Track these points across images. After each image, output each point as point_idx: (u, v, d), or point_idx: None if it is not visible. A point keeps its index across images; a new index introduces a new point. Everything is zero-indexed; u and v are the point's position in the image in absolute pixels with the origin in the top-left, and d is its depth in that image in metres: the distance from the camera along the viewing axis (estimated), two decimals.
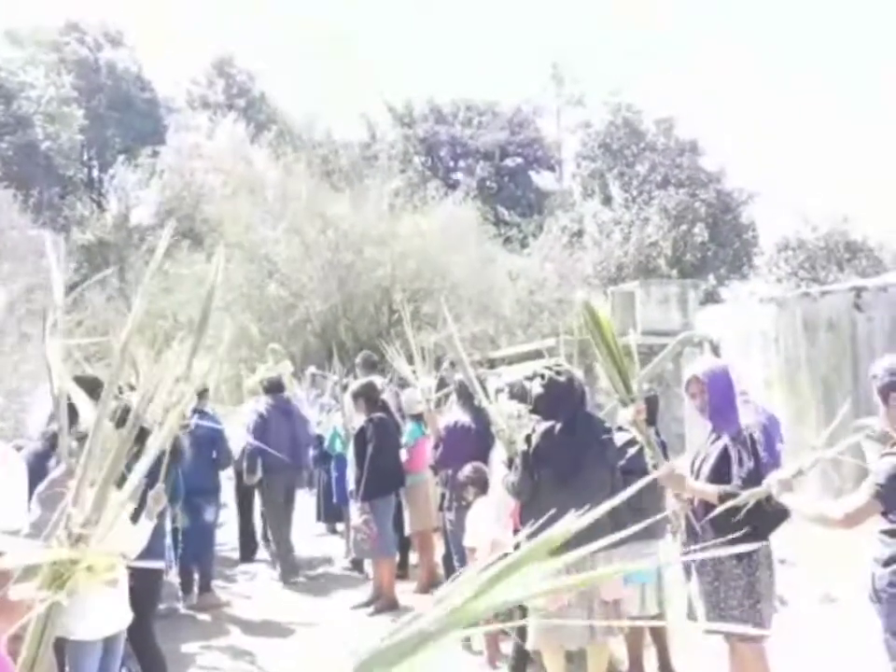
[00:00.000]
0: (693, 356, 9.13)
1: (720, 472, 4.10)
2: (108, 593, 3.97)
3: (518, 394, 5.28)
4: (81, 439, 3.98)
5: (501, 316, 18.41)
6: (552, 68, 35.15)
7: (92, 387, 4.54)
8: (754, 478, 3.96)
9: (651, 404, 5.28)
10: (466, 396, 6.08)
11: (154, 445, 1.79)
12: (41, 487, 2.40)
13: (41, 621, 1.60)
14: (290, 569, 8.12)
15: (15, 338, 10.84)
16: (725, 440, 4.13)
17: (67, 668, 3.89)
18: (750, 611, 4.08)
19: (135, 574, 3.74)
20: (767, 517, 3.95)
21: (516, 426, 4.81)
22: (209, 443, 7.21)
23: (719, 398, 4.22)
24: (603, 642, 4.66)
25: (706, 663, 5.08)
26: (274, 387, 8.66)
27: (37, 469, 4.40)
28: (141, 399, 1.83)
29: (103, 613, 3.94)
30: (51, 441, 4.60)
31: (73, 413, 3.84)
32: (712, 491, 4.09)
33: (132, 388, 5.53)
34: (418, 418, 7.55)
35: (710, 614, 4.21)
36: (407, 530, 7.56)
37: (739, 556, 4.08)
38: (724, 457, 4.12)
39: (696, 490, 4.23)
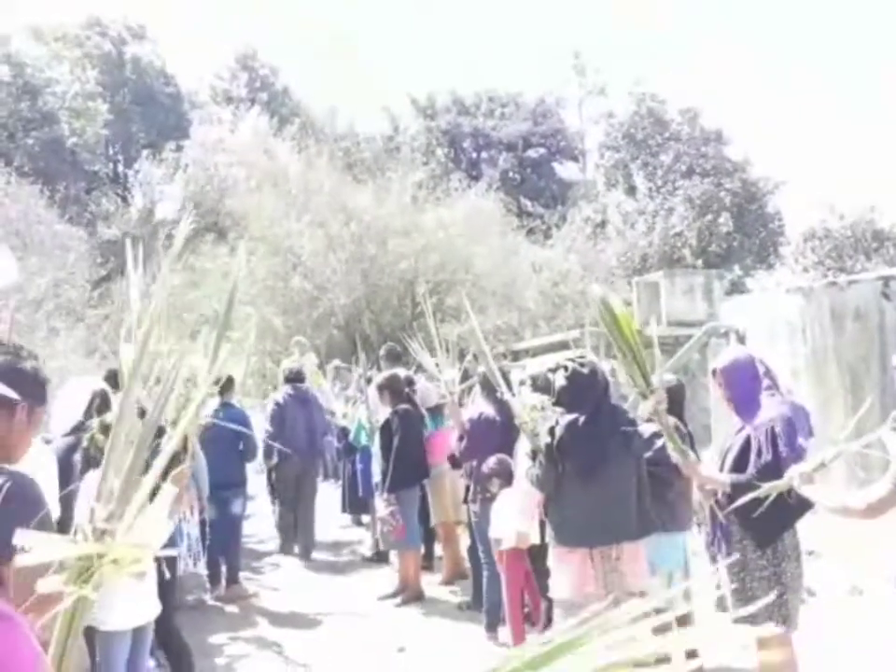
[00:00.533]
0: (719, 346, 9.06)
1: (742, 464, 4.11)
2: (137, 583, 4.01)
3: (542, 386, 5.26)
4: (106, 429, 4.03)
5: (525, 308, 18.38)
6: (574, 58, 34.99)
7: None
8: (772, 471, 3.94)
9: (677, 395, 5.26)
10: (489, 388, 6.07)
11: (170, 444, 1.81)
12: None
13: (69, 614, 1.64)
14: (307, 550, 8.61)
15: (44, 332, 10.95)
16: (749, 430, 4.12)
17: (98, 658, 3.94)
18: (777, 602, 4.06)
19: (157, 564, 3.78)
20: (789, 509, 3.93)
21: (539, 418, 4.80)
22: (235, 436, 7.26)
23: (741, 389, 4.21)
24: None
25: (733, 652, 5.07)
26: (294, 377, 8.96)
27: (65, 463, 4.46)
28: (160, 395, 1.84)
29: (132, 604, 3.98)
30: (80, 435, 4.64)
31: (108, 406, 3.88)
32: (724, 480, 4.13)
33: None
34: (434, 411, 7.57)
35: (737, 605, 4.19)
36: (432, 521, 7.59)
37: (763, 547, 4.09)
38: (746, 449, 4.12)
39: (712, 480, 4.25)
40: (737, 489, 4.08)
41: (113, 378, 5.06)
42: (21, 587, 1.93)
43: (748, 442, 4.13)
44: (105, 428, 4.02)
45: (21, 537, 1.66)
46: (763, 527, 4.07)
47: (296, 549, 8.73)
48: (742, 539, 4.17)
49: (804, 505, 3.97)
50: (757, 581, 4.13)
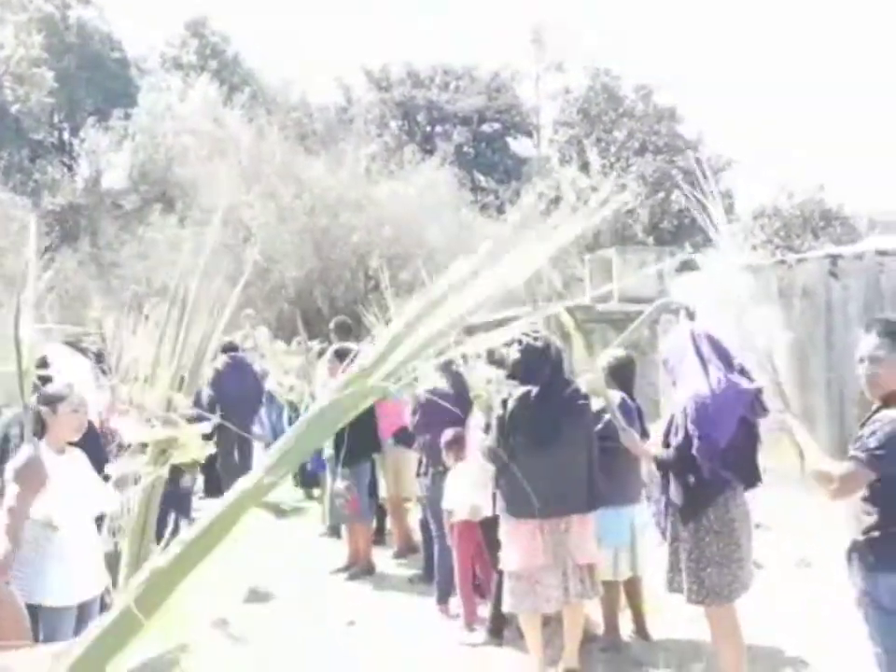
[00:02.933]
0: (669, 323, 9.13)
1: (668, 439, 4.26)
2: (82, 558, 3.94)
3: (496, 360, 5.26)
4: (49, 402, 3.94)
5: None
6: (532, 33, 34.85)
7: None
8: (682, 450, 4.09)
9: (627, 370, 5.30)
10: (444, 361, 6.05)
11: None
12: (17, 465, 2.38)
13: (147, 492, 2.03)
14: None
15: None
16: (677, 408, 4.23)
17: (42, 636, 3.85)
18: (697, 577, 4.14)
19: None
20: (706, 486, 4.04)
21: (494, 391, 4.81)
22: None
23: (673, 365, 4.34)
24: (578, 605, 4.69)
25: (680, 626, 5.15)
26: (229, 347, 9.90)
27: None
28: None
29: (77, 578, 3.90)
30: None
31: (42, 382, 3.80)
32: (650, 455, 4.39)
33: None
34: None
35: (670, 578, 4.27)
36: (380, 494, 7.56)
37: (685, 522, 4.19)
38: (671, 425, 4.26)
39: (646, 454, 4.49)
40: (659, 465, 4.27)
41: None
42: None
43: (672, 419, 4.26)
44: (47, 401, 3.93)
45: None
46: (684, 502, 4.18)
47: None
48: (674, 512, 4.26)
49: (721, 482, 4.06)
50: (683, 554, 4.21)
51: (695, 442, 4.04)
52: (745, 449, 4.16)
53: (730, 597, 4.17)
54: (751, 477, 4.21)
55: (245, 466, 9.47)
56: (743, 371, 4.19)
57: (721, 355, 4.25)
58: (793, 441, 3.48)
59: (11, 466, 2.34)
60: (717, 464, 4.03)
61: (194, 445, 2.08)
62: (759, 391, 4.12)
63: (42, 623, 3.84)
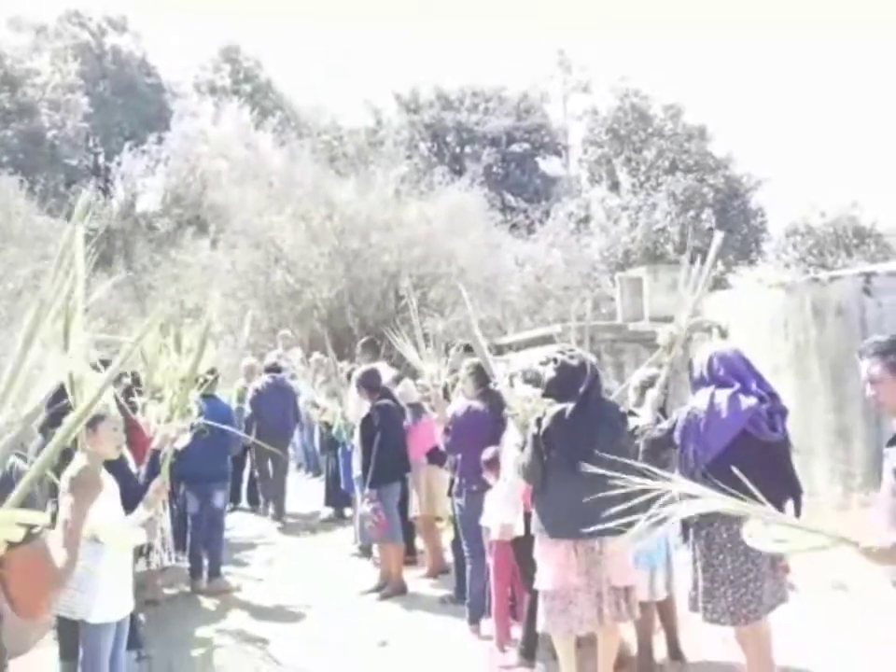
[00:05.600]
0: (702, 341, 9.08)
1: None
2: (122, 575, 4.00)
3: (532, 378, 5.27)
4: (90, 422, 4.00)
5: (508, 303, 18.36)
6: (558, 55, 34.97)
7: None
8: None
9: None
10: (481, 379, 6.05)
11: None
12: (72, 473, 2.38)
13: None
14: (279, 512, 9.94)
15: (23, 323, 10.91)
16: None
17: (83, 651, 3.90)
18: (712, 596, 4.13)
19: None
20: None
21: (531, 409, 4.81)
22: (218, 430, 7.22)
23: (693, 381, 4.49)
24: (612, 627, 4.65)
25: (715, 647, 5.09)
26: (271, 368, 10.48)
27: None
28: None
29: (116, 597, 3.95)
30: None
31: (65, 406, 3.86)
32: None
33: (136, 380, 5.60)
34: (413, 407, 7.56)
35: (702, 599, 4.23)
36: (410, 514, 7.55)
37: (684, 539, 4.41)
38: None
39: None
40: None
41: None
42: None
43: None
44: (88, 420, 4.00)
45: None
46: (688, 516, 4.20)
47: (270, 511, 10.09)
48: (687, 529, 4.31)
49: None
50: (700, 573, 4.19)
51: (678, 454, 4.21)
52: (741, 465, 4.10)
53: (748, 618, 4.11)
54: (747, 492, 4.13)
55: (280, 482, 10.13)
56: (762, 389, 4.23)
57: (738, 374, 4.27)
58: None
59: (66, 475, 2.33)
60: (698, 476, 3.98)
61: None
62: (770, 410, 4.15)
63: (84, 638, 3.89)
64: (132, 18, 32.06)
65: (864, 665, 4.74)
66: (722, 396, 4.17)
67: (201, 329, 4.32)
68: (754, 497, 4.13)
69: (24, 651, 2.40)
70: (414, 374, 8.36)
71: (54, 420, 4.91)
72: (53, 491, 2.57)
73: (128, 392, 5.64)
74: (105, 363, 4.81)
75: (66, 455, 2.44)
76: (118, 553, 3.97)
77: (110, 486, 3.91)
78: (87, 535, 3.61)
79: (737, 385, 4.21)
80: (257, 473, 10.52)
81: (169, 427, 4.45)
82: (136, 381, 5.68)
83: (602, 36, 56.53)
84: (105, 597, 3.83)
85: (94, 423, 4.02)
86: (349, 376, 8.25)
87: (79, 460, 2.38)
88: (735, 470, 4.04)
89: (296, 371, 11.22)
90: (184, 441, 4.71)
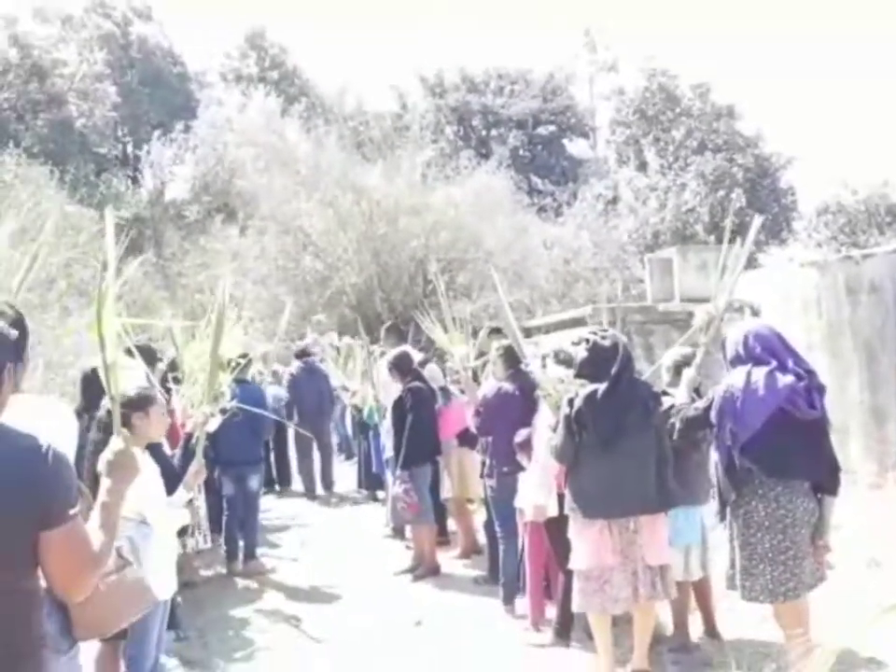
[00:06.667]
0: (734, 321, 9.01)
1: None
2: (168, 555, 4.08)
3: (564, 359, 5.26)
4: (142, 405, 4.09)
5: (536, 286, 18.34)
6: (584, 35, 34.71)
7: (149, 356, 5.46)
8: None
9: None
10: (512, 361, 6.05)
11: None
12: (109, 456, 2.40)
13: None
14: (312, 490, 10.43)
15: (56, 311, 11.05)
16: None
17: (132, 633, 3.94)
18: (750, 573, 4.14)
19: None
20: (733, 475, 4.19)
21: (563, 390, 4.80)
22: (252, 413, 7.28)
23: (726, 359, 4.44)
24: (647, 606, 4.65)
25: (751, 626, 5.08)
26: (303, 353, 10.88)
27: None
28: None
29: (164, 575, 4.01)
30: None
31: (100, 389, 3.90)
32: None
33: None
34: (440, 390, 7.57)
35: (740, 577, 4.23)
36: (442, 495, 7.58)
37: (721, 519, 4.40)
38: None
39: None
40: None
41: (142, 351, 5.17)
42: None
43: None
44: (140, 403, 4.09)
45: None
46: (724, 492, 4.27)
47: (319, 490, 10.49)
48: (724, 507, 4.32)
49: (745, 473, 4.13)
50: (738, 551, 4.19)
51: (714, 433, 4.22)
52: (778, 443, 4.09)
53: (787, 595, 4.10)
54: (785, 470, 4.12)
55: (327, 467, 10.59)
56: (799, 366, 4.19)
57: (774, 352, 4.24)
58: None
59: (103, 457, 2.36)
60: (735, 455, 4.11)
61: None
62: (807, 387, 4.12)
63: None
64: (156, 7, 32.19)
65: None
66: (759, 374, 4.14)
67: (216, 314, 4.40)
68: (792, 475, 4.13)
69: (106, 633, 2.47)
70: (441, 358, 8.39)
71: (90, 404, 5.01)
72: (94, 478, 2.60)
73: (163, 378, 5.71)
74: (140, 348, 4.89)
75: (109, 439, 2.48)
76: (164, 533, 4.03)
77: (151, 468, 3.96)
78: (135, 516, 3.69)
79: (774, 363, 4.17)
80: (295, 455, 10.86)
81: (200, 412, 4.53)
82: (172, 366, 5.75)
83: (628, 16, 55.97)
84: (154, 577, 3.89)
85: (146, 406, 4.10)
86: (376, 360, 8.36)
87: (116, 443, 2.41)
88: (772, 447, 4.07)
89: (325, 354, 11.29)
90: (214, 424, 4.78)
